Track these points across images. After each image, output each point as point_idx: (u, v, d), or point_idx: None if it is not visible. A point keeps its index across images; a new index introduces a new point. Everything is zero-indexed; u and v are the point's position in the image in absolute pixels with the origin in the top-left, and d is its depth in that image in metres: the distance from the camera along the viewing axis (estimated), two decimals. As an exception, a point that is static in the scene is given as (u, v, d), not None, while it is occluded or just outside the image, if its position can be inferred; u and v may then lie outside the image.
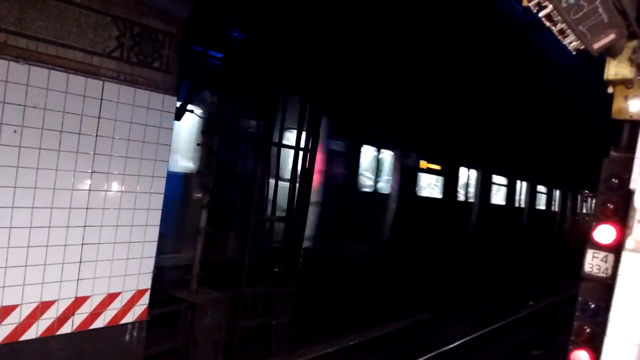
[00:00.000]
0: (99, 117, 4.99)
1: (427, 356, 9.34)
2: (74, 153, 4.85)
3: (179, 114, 6.09)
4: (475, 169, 16.91)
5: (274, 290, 8.08)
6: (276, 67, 7.82)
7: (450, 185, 15.42)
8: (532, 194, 21.51)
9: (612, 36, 2.91)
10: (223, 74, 6.94)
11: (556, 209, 24.66)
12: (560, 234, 24.03)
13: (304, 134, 8.28)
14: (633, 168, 3.59)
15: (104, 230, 5.17)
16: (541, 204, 22.89)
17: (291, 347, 8.20)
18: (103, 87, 4.99)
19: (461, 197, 16.39)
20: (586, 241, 3.89)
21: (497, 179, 18.43)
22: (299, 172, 8.29)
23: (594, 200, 3.91)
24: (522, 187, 20.69)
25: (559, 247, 21.78)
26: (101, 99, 4.99)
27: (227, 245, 8.11)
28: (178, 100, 5.79)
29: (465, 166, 16.26)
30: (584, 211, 28.00)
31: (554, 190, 24.07)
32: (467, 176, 16.66)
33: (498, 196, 18.93)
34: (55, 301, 4.92)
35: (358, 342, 9.11)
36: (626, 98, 3.73)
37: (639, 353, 3.46)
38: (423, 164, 14.04)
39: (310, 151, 8.36)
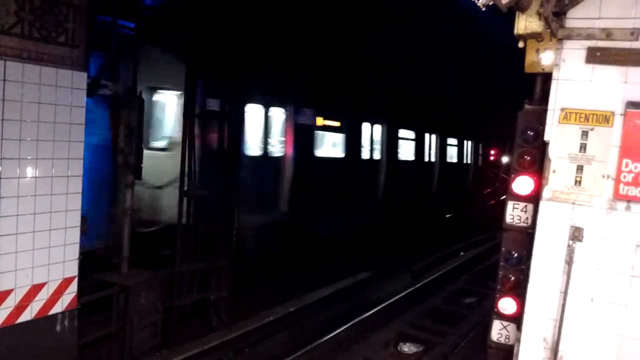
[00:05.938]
0: (3, 100, 4.63)
1: (368, 313, 9.61)
2: (-22, 140, 4.51)
3: (91, 90, 5.76)
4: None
5: (209, 265, 7.95)
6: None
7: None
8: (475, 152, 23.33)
9: (519, -10, 2.94)
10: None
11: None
12: None
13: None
14: (546, 120, 3.70)
15: (21, 219, 4.87)
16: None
17: (232, 320, 8.15)
18: (5, 67, 4.62)
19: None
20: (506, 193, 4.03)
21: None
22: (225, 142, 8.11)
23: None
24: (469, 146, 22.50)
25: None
26: (4, 80, 4.62)
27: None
28: (89, 75, 5.48)
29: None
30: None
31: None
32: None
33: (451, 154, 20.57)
34: (-24, 298, 4.65)
35: (300, 307, 9.21)
36: (537, 51, 3.81)
37: (560, 297, 3.65)
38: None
39: (231, 119, 8.18)
